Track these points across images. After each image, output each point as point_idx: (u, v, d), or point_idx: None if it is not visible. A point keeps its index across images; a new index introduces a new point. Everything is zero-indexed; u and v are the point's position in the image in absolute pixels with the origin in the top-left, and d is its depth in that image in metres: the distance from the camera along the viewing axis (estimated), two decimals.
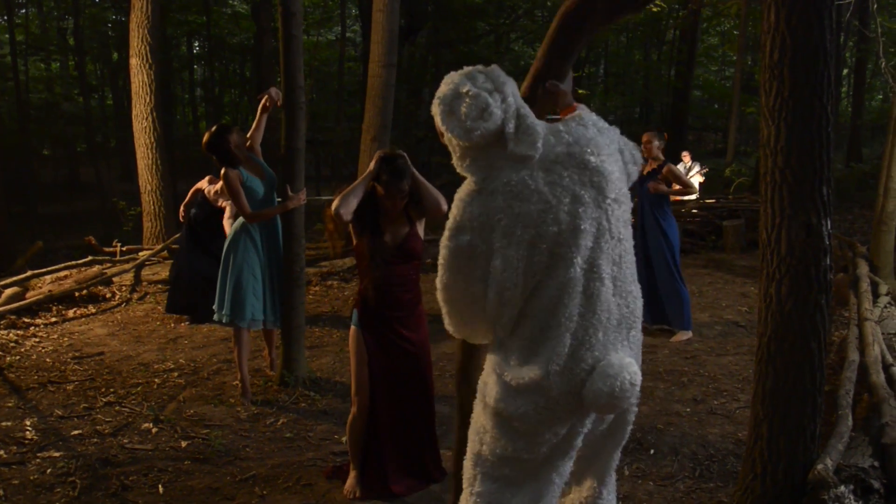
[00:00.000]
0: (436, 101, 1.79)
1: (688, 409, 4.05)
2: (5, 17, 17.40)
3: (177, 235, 8.18)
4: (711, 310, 6.21)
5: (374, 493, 3.09)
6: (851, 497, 2.46)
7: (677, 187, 5.45)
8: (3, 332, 5.78)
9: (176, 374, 4.80)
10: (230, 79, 22.17)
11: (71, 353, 5.29)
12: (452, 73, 1.81)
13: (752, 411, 2.67)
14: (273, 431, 3.85)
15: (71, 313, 6.47)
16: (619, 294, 1.81)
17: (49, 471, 3.37)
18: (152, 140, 8.87)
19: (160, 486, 3.23)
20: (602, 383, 1.71)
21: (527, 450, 1.78)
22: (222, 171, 4.09)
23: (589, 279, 1.74)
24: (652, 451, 3.52)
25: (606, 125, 1.93)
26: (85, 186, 19.15)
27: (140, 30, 8.75)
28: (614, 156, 1.85)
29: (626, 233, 1.85)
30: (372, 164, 3.00)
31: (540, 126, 1.76)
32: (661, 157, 5.42)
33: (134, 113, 9.00)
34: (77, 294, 6.81)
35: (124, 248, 8.09)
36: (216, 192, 5.20)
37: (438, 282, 1.85)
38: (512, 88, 1.76)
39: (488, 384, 1.85)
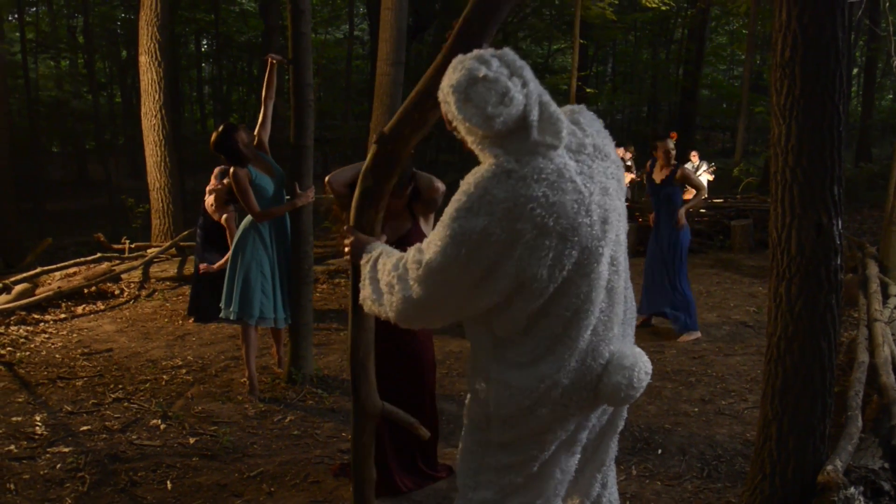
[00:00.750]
0: (447, 90, 1.62)
1: (696, 409, 4.04)
2: (16, 16, 17.50)
3: (185, 232, 8.23)
4: (719, 310, 6.19)
5: (381, 490, 3.09)
6: (861, 499, 2.45)
7: (690, 194, 5.54)
8: (13, 327, 5.82)
9: (184, 370, 4.82)
10: (238, 77, 22.23)
11: (80, 350, 5.32)
12: (461, 57, 1.64)
13: (761, 411, 2.65)
14: (281, 429, 3.86)
15: (80, 310, 6.51)
16: (627, 287, 1.81)
17: (59, 466, 3.39)
18: (161, 137, 8.91)
19: (168, 482, 3.24)
20: (620, 376, 1.68)
21: (538, 451, 1.74)
22: (231, 171, 4.10)
23: (611, 273, 1.71)
24: (660, 451, 3.51)
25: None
26: (94, 183, 19.27)
27: (149, 27, 8.79)
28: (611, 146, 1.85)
29: (624, 223, 1.82)
30: (334, 190, 3.03)
31: (562, 114, 1.66)
32: (673, 161, 5.44)
33: (143, 110, 9.04)
34: (86, 291, 6.84)
35: (133, 245, 8.13)
36: (212, 204, 5.14)
37: (423, 260, 1.64)
38: (529, 73, 1.63)
39: (489, 391, 1.72)
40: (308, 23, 4.30)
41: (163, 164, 8.94)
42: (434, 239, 1.63)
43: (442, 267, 1.61)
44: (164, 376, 4.70)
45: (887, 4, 7.27)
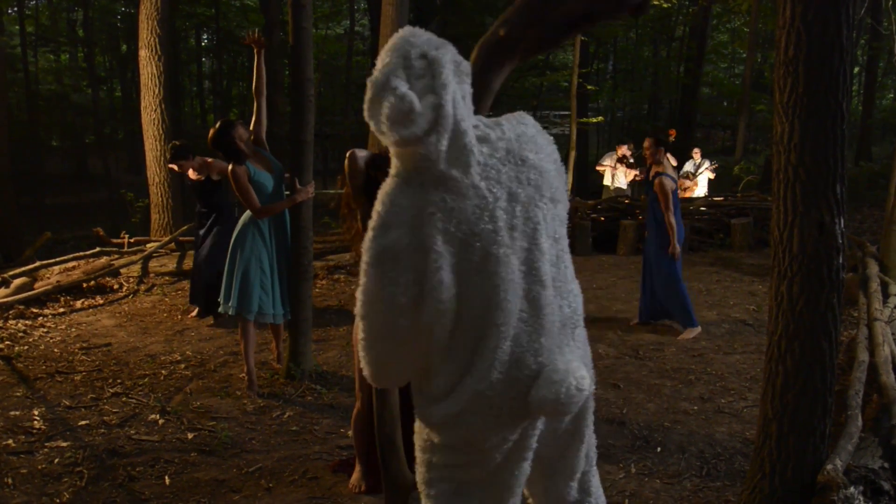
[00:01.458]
0: (369, 81, 1.54)
1: (695, 408, 4.03)
2: (16, 9, 17.46)
3: (185, 227, 8.22)
4: (719, 308, 6.19)
5: (380, 487, 3.09)
6: (861, 498, 2.44)
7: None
8: (11, 322, 5.81)
9: (183, 365, 4.81)
10: (238, 71, 22.19)
11: (78, 344, 5.31)
12: (397, 42, 1.54)
13: (761, 410, 2.65)
14: (279, 424, 3.86)
15: (79, 304, 6.50)
16: (560, 295, 1.69)
17: (56, 460, 3.38)
18: (160, 132, 8.88)
19: (166, 477, 3.24)
20: (547, 390, 1.61)
21: (479, 456, 1.71)
22: (230, 168, 4.09)
23: (530, 283, 1.63)
24: (659, 449, 3.51)
25: (544, 132, 1.77)
26: (93, 178, 19.25)
27: (149, 21, 8.76)
28: (553, 156, 1.73)
29: (563, 231, 1.73)
30: (353, 165, 2.93)
31: (475, 142, 1.59)
32: (661, 162, 5.37)
33: (142, 105, 9.02)
34: (85, 285, 6.84)
35: (132, 240, 8.12)
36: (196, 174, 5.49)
37: (359, 297, 1.61)
38: (452, 91, 1.53)
39: (421, 407, 1.71)
40: (309, 17, 4.29)
41: (162, 158, 8.91)
42: (362, 267, 1.60)
43: (373, 293, 1.59)
44: (163, 371, 4.69)
45: (890, 3, 7.25)
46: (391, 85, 1.49)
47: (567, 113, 14.36)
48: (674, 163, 10.99)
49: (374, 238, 1.57)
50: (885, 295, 5.57)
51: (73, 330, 5.72)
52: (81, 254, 7.61)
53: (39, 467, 3.31)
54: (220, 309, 4.28)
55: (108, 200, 15.18)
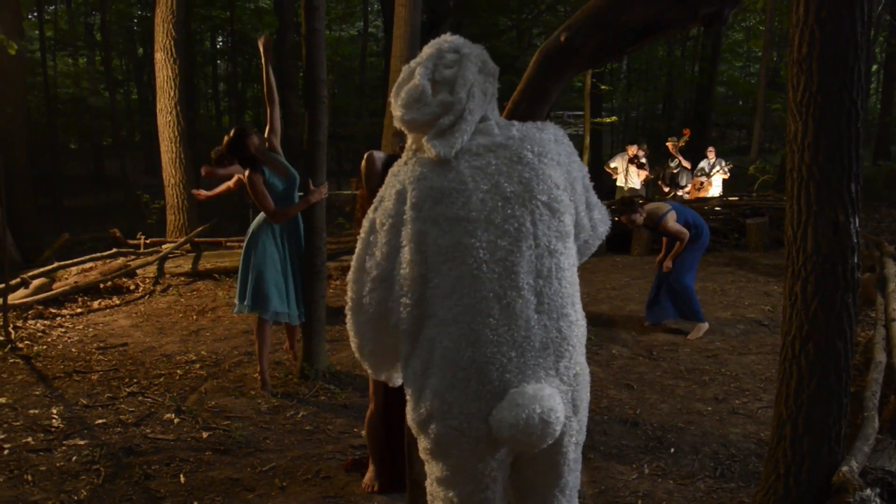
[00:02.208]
0: (404, 67, 1.73)
1: (709, 408, 4.01)
2: (35, 13, 17.70)
3: (200, 228, 8.29)
4: (734, 308, 6.14)
5: (393, 486, 3.10)
6: (877, 500, 2.42)
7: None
8: (30, 321, 5.89)
9: (198, 365, 4.86)
10: (253, 74, 22.33)
11: (96, 344, 5.38)
12: (438, 39, 1.72)
13: (775, 411, 2.63)
14: (293, 424, 3.88)
15: (96, 304, 6.58)
16: (545, 313, 1.56)
17: (74, 458, 3.43)
18: (176, 134, 8.97)
19: (181, 475, 3.27)
20: (507, 412, 1.48)
21: (462, 465, 1.61)
22: (246, 174, 4.13)
23: (504, 286, 1.54)
24: (672, 450, 3.49)
25: (571, 145, 1.75)
26: (110, 180, 19.46)
27: (165, 25, 8.85)
28: (563, 166, 1.66)
29: (561, 246, 1.60)
30: (371, 167, 2.99)
31: (471, 129, 1.63)
32: (647, 212, 5.32)
33: (158, 107, 9.11)
34: (102, 286, 6.92)
35: (148, 241, 8.20)
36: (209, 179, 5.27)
37: (353, 263, 1.71)
38: (471, 84, 1.63)
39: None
40: (322, 19, 4.31)
41: (178, 160, 9.00)
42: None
43: (357, 261, 1.70)
44: (178, 371, 4.74)
45: None
46: (415, 72, 1.66)
47: (581, 113, 14.31)
48: (687, 165, 10.94)
49: (372, 209, 1.71)
50: None
51: (91, 330, 5.79)
52: (98, 255, 7.69)
53: (58, 465, 3.36)
54: (235, 309, 4.32)
55: (124, 202, 15.34)
